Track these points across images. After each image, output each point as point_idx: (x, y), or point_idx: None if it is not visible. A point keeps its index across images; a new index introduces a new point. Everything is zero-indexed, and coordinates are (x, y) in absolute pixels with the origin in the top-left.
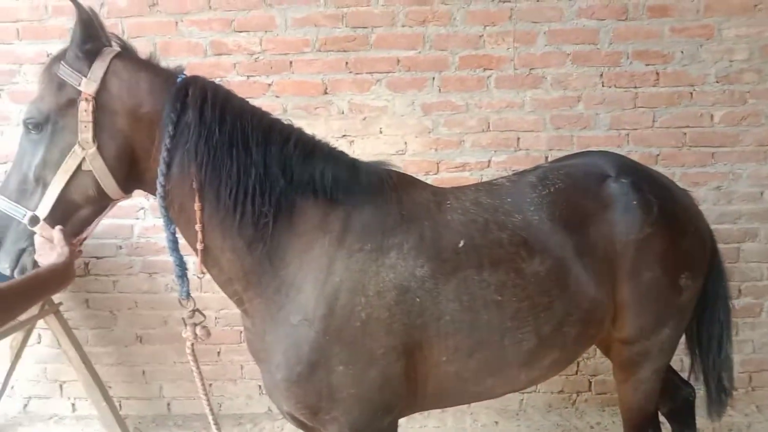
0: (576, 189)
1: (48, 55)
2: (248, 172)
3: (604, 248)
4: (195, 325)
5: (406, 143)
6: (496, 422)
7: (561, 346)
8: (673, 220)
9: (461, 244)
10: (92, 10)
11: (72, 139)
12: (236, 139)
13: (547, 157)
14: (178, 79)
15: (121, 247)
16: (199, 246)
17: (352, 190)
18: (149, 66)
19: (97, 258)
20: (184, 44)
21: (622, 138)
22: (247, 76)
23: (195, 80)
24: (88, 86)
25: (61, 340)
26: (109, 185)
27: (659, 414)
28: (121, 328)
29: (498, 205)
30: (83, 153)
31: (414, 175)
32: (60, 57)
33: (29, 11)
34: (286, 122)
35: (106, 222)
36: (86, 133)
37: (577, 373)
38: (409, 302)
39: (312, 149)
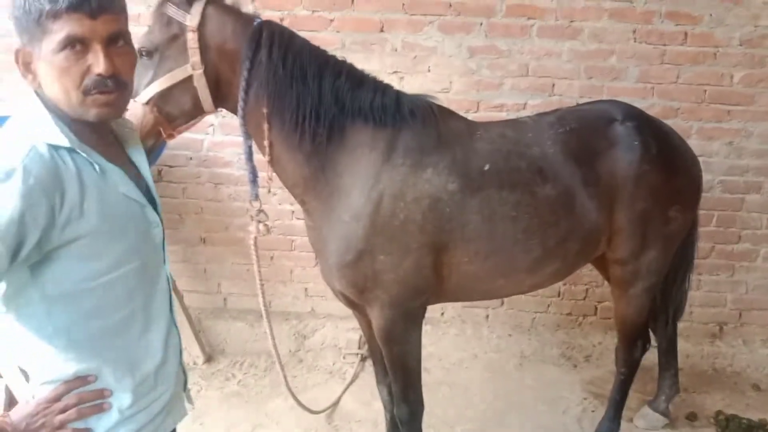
0: (588, 129)
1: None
2: (305, 100)
3: (607, 180)
4: (259, 222)
5: (450, 82)
6: (510, 335)
7: (562, 258)
8: (668, 160)
9: (486, 167)
10: None
11: (182, 62)
12: (296, 75)
13: (577, 104)
14: (255, 23)
15: (191, 159)
16: (266, 158)
17: (397, 116)
18: (233, 11)
19: (170, 167)
20: None
21: (647, 91)
22: (312, 11)
23: (268, 24)
24: (192, 20)
25: None
26: (206, 101)
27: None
28: (187, 230)
29: (520, 139)
30: (192, 71)
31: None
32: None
33: None
34: (341, 59)
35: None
36: (195, 57)
37: (585, 299)
38: (440, 210)
39: (360, 81)
